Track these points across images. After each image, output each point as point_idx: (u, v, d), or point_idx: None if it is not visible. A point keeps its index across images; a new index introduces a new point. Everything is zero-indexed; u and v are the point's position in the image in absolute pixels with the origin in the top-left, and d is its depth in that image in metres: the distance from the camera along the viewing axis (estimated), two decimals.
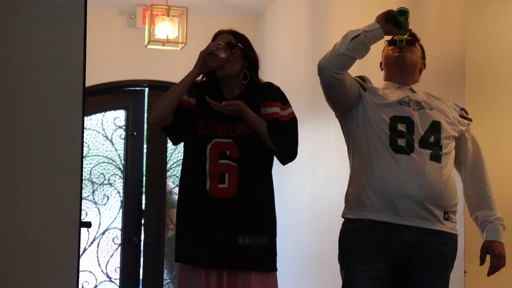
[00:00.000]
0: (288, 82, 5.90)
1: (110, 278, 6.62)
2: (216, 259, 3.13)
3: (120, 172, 6.67)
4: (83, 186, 3.95)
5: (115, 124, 6.70)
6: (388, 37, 3.23)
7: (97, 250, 6.59)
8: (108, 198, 6.63)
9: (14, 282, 2.50)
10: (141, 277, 6.64)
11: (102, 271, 6.60)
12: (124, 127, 6.70)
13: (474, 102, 3.57)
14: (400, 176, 3.02)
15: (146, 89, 6.71)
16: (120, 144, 6.69)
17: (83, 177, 3.16)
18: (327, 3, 5.38)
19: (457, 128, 3.19)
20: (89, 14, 2.71)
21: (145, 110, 6.68)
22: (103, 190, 6.64)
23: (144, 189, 6.65)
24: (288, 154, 3.23)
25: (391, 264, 3.05)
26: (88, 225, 3.46)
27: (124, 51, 6.62)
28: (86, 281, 6.50)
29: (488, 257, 3.17)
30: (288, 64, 6.06)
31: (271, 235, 3.18)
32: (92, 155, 6.62)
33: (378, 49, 3.23)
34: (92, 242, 6.58)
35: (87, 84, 2.67)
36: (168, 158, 6.72)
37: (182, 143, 3.31)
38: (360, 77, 3.23)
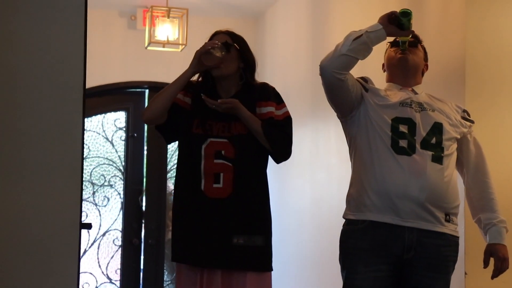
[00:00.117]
0: (288, 84, 5.90)
1: (110, 279, 6.62)
2: (211, 259, 3.13)
3: (120, 173, 6.67)
4: (83, 188, 3.94)
5: (115, 125, 6.70)
6: (391, 39, 3.23)
7: (98, 251, 6.59)
8: (108, 199, 6.63)
9: (15, 284, 2.50)
10: (141, 279, 6.64)
11: (102, 272, 6.60)
12: (124, 129, 6.70)
13: (474, 102, 3.57)
14: (401, 177, 3.02)
15: (147, 91, 6.71)
16: (120, 146, 6.69)
17: (84, 179, 3.16)
18: (327, 4, 5.38)
19: (459, 130, 3.19)
20: (90, 16, 2.71)
21: None
22: (104, 191, 6.64)
23: (144, 190, 6.66)
24: (282, 152, 3.23)
25: (391, 265, 3.05)
26: (88, 226, 3.45)
27: (125, 52, 6.62)
28: (86, 283, 6.50)
29: (491, 260, 3.16)
30: (288, 66, 6.06)
31: (266, 235, 3.19)
32: (92, 157, 6.62)
33: (379, 51, 3.23)
34: (92, 244, 6.58)
35: (88, 85, 2.67)
36: (168, 160, 6.72)
37: (177, 143, 3.32)
38: (362, 78, 3.23)
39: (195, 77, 3.28)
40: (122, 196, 6.65)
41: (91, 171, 6.60)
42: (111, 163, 6.66)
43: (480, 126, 3.31)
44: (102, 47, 6.47)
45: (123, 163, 6.67)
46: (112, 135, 6.69)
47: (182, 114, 3.23)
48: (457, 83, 3.68)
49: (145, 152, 6.69)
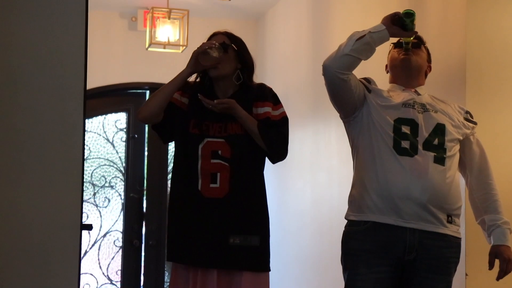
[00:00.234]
0: (289, 85, 5.90)
1: (111, 280, 6.62)
2: (207, 259, 3.14)
3: (121, 174, 6.67)
4: (84, 189, 3.95)
5: (116, 126, 6.70)
6: (394, 40, 3.23)
7: (98, 252, 6.59)
8: (109, 200, 6.63)
9: (16, 285, 2.50)
10: (142, 280, 6.64)
11: (103, 273, 6.60)
12: (125, 130, 6.71)
13: (475, 103, 3.57)
14: (403, 178, 3.02)
15: (147, 92, 6.71)
16: (121, 147, 6.70)
17: (84, 180, 3.16)
18: (327, 5, 5.38)
19: (461, 131, 3.18)
20: (90, 17, 2.71)
21: None
22: (104, 192, 6.64)
23: (145, 191, 6.66)
24: (278, 153, 3.23)
25: (393, 266, 3.04)
26: (89, 227, 3.45)
27: (125, 53, 6.63)
28: (87, 284, 6.50)
29: (496, 262, 3.15)
30: (289, 67, 6.07)
31: (262, 235, 3.19)
32: (93, 158, 6.62)
33: (380, 51, 3.23)
34: (93, 245, 6.58)
35: (88, 86, 2.67)
36: (169, 161, 6.72)
37: (173, 143, 3.32)
38: (365, 78, 3.23)
39: (192, 78, 3.29)
40: (122, 197, 6.65)
41: (92, 172, 6.60)
42: (111, 164, 6.66)
43: (480, 127, 3.31)
44: (103, 48, 6.47)
45: (123, 164, 6.67)
46: (113, 136, 6.69)
47: (179, 114, 3.24)
48: (458, 83, 3.68)
49: (146, 153, 6.69)
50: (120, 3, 6.43)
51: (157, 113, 3.21)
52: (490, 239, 3.17)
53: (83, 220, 2.65)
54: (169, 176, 6.66)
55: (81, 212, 2.60)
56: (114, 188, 6.64)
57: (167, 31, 5.86)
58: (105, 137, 6.67)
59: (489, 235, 3.17)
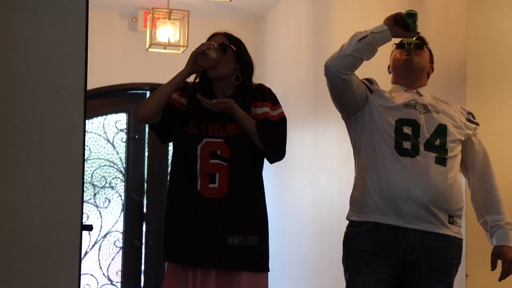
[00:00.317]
0: (289, 85, 5.90)
1: (111, 281, 6.62)
2: (206, 259, 3.13)
3: (121, 175, 6.67)
4: (84, 189, 3.94)
5: (116, 127, 6.70)
6: (397, 40, 3.23)
7: (99, 253, 6.60)
8: (109, 201, 6.64)
9: (16, 286, 2.50)
10: (142, 280, 6.64)
11: (103, 274, 6.60)
12: (125, 130, 6.71)
13: (475, 103, 3.57)
14: (404, 179, 3.02)
15: (148, 93, 6.71)
16: (121, 147, 6.70)
17: (85, 180, 3.16)
18: (328, 6, 5.38)
19: (463, 132, 3.18)
20: (91, 18, 2.71)
21: None
22: (105, 193, 6.64)
23: (145, 192, 6.66)
24: (276, 153, 3.23)
25: (394, 267, 3.04)
26: (89, 228, 3.45)
27: (126, 54, 6.63)
28: (87, 284, 6.50)
29: (499, 262, 3.15)
30: (289, 67, 6.07)
31: (261, 235, 3.19)
32: (93, 158, 6.62)
33: (382, 52, 3.23)
34: (93, 245, 6.58)
35: (89, 87, 2.67)
36: (169, 162, 6.72)
37: (171, 143, 3.33)
38: (367, 79, 3.23)
39: (191, 78, 3.29)
40: (123, 197, 6.65)
41: (92, 173, 6.60)
42: (112, 164, 6.66)
43: (480, 127, 3.31)
44: (103, 48, 6.47)
45: (124, 165, 6.67)
46: (113, 137, 6.69)
47: (178, 115, 3.24)
48: (458, 83, 3.68)
49: (146, 154, 6.69)
50: (120, 3, 6.43)
51: (155, 113, 3.21)
52: (493, 239, 3.16)
53: (83, 221, 2.65)
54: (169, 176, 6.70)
55: (82, 213, 2.59)
56: (114, 189, 6.64)
57: (167, 31, 5.86)
58: (106, 138, 6.67)
59: (492, 235, 3.17)
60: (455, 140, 3.14)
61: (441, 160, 3.06)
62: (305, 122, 5.52)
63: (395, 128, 3.09)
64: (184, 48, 5.87)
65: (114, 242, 6.63)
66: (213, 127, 3.21)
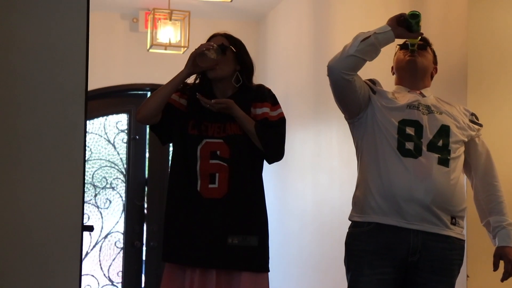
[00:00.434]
0: (290, 86, 5.90)
1: (112, 282, 6.62)
2: (206, 259, 3.13)
3: (122, 176, 6.67)
4: (85, 190, 3.94)
5: (117, 128, 6.70)
6: (400, 41, 3.23)
7: (99, 254, 6.60)
8: (110, 202, 6.64)
9: (17, 286, 2.50)
10: (143, 281, 6.64)
11: (104, 275, 6.60)
12: (126, 131, 6.71)
13: (476, 104, 3.57)
14: (407, 180, 3.01)
15: (148, 93, 6.71)
16: (122, 148, 6.70)
17: (85, 181, 3.16)
18: (329, 7, 5.38)
19: (466, 133, 3.18)
20: (92, 18, 2.71)
21: None
22: (106, 194, 6.64)
23: (146, 192, 6.66)
24: (274, 153, 3.23)
25: (396, 268, 3.04)
26: (90, 229, 3.45)
27: (126, 55, 6.63)
28: (88, 285, 6.50)
29: (501, 263, 3.14)
30: (290, 68, 6.07)
31: (261, 236, 3.19)
32: (94, 159, 6.62)
33: (384, 53, 3.23)
34: (94, 246, 6.58)
35: (90, 88, 2.67)
36: (170, 162, 6.71)
37: (171, 144, 3.33)
38: (370, 80, 3.23)
39: (191, 79, 3.29)
40: (124, 198, 6.65)
41: (93, 174, 6.60)
42: (113, 165, 6.66)
43: (482, 128, 3.31)
44: (104, 49, 6.48)
45: (125, 166, 6.68)
46: (114, 138, 6.69)
47: (177, 115, 3.24)
48: (459, 83, 3.68)
49: (147, 155, 6.70)
50: (121, 4, 6.43)
51: (155, 114, 3.21)
52: (495, 240, 3.16)
53: (84, 222, 2.65)
54: None
55: (82, 214, 2.60)
56: (115, 190, 6.65)
57: (168, 32, 5.86)
58: (106, 138, 6.67)
59: (494, 236, 3.17)
60: (458, 141, 3.13)
61: (444, 161, 3.06)
62: (306, 123, 5.52)
63: (398, 128, 3.09)
64: (185, 48, 5.87)
65: (115, 242, 6.63)
66: (213, 128, 3.21)
